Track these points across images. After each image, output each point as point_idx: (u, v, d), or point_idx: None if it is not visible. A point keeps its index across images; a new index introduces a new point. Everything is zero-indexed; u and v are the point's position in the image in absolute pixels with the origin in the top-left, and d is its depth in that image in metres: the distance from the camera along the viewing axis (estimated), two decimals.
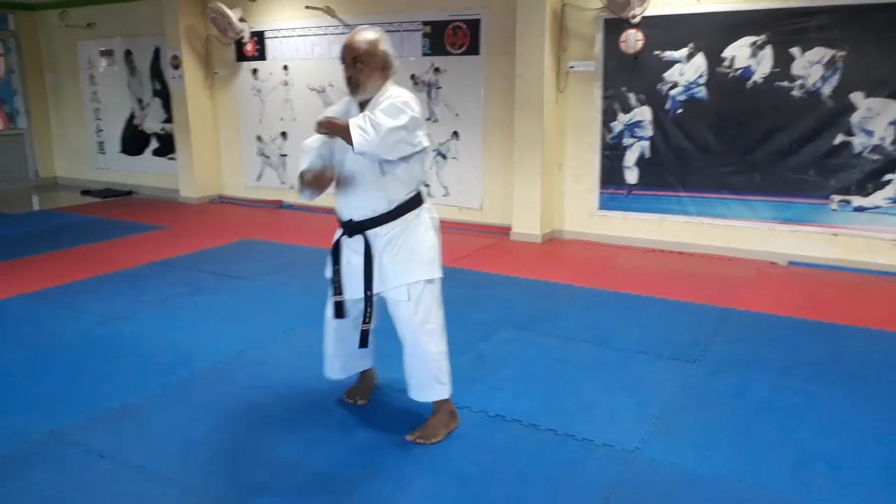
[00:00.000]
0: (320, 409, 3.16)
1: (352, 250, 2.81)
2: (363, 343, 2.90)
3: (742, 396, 3.27)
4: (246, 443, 2.88)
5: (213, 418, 3.08)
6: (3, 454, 2.80)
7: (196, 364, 3.65)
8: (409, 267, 2.76)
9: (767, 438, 2.89)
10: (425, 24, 6.94)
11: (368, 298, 2.80)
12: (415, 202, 2.80)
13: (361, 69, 2.67)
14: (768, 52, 5.41)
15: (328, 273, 2.93)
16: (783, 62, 5.37)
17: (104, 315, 4.43)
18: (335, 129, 2.59)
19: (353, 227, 2.78)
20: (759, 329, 4.16)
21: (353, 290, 2.83)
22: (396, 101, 2.62)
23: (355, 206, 2.76)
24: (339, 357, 3.09)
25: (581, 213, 6.49)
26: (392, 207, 2.74)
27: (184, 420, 3.07)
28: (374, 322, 2.91)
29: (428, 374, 2.86)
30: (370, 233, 2.76)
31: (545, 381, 3.44)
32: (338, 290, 2.86)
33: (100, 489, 2.57)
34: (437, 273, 2.83)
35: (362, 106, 2.73)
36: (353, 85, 2.70)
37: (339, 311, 2.89)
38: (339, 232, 2.89)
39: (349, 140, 2.53)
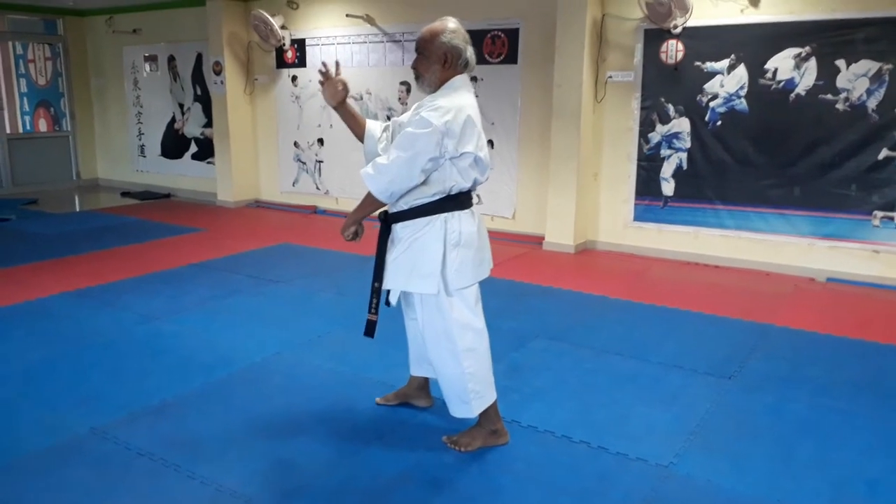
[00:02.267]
0: (355, 413, 3.18)
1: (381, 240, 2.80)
2: (368, 332, 2.85)
3: (780, 414, 3.22)
4: (281, 444, 2.91)
5: (250, 419, 3.12)
6: (45, 448, 2.86)
7: (233, 365, 3.71)
8: (406, 274, 2.68)
9: (806, 458, 2.83)
10: None
11: (376, 290, 2.78)
12: (436, 207, 2.63)
13: (420, 60, 2.66)
14: (812, 64, 5.33)
15: None
16: (827, 75, 5.28)
17: (144, 314, 4.52)
18: (357, 214, 2.72)
19: (385, 218, 2.77)
20: (798, 346, 4.09)
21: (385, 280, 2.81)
22: (423, 117, 2.52)
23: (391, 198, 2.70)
24: (412, 353, 3.11)
25: (616, 223, 6.45)
26: (408, 207, 2.66)
27: (221, 420, 3.11)
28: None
29: (451, 392, 2.83)
30: (395, 227, 2.74)
31: (579, 392, 3.42)
32: (378, 276, 2.82)
33: (137, 486, 2.61)
34: (431, 289, 2.64)
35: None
36: (416, 76, 2.70)
37: (370, 329, 2.87)
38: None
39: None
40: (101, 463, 2.76)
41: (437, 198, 2.64)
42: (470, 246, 2.69)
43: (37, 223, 7.70)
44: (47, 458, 2.79)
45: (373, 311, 2.82)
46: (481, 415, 2.85)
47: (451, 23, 2.68)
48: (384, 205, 2.68)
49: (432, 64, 2.63)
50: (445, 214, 2.65)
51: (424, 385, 3.20)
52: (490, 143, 6.99)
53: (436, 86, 2.67)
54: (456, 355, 2.73)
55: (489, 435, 2.89)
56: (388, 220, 2.75)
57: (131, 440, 2.92)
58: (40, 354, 3.86)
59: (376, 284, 2.79)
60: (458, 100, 2.60)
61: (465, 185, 2.66)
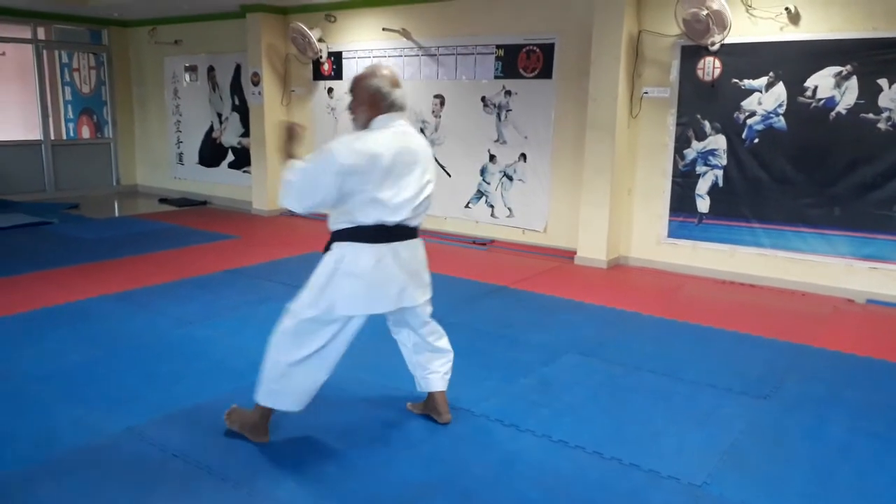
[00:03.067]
0: (385, 421, 3.19)
1: None
2: None
3: (816, 437, 3.15)
4: (312, 451, 2.93)
5: (281, 424, 3.14)
6: (82, 447, 2.92)
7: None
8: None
9: (843, 483, 2.77)
10: (499, 47, 7.02)
11: None
12: (342, 235, 2.80)
13: (352, 102, 2.83)
14: (854, 82, 5.25)
15: None
16: (869, 93, 5.20)
17: (179, 318, 4.59)
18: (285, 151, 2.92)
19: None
20: (836, 368, 4.00)
21: None
22: (328, 149, 2.68)
23: None
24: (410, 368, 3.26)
25: (649, 240, 6.40)
26: (333, 230, 2.85)
27: None
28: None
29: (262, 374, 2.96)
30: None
31: (610, 409, 3.39)
32: None
33: (172, 488, 2.65)
34: (295, 306, 2.90)
35: None
36: (352, 117, 2.87)
37: None
38: None
39: None
40: (135, 463, 2.81)
41: (345, 226, 2.80)
42: (362, 278, 2.78)
43: (78, 227, 7.89)
44: (84, 456, 2.85)
45: None
46: (259, 407, 2.95)
47: (380, 69, 2.84)
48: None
49: (360, 105, 2.80)
50: (349, 243, 2.79)
51: (441, 400, 3.18)
52: (523, 156, 7.00)
53: (364, 124, 2.82)
54: (274, 355, 2.91)
55: (252, 426, 2.97)
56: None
57: (166, 442, 2.96)
58: (79, 355, 3.94)
59: None
60: (374, 140, 2.71)
61: (366, 221, 2.75)
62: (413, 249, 2.91)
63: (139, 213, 9.00)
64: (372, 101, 2.78)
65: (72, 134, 10.96)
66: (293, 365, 2.87)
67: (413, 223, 2.87)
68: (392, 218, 2.76)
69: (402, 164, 2.75)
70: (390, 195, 2.72)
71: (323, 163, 2.66)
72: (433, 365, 3.15)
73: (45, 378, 3.62)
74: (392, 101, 2.79)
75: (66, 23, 10.13)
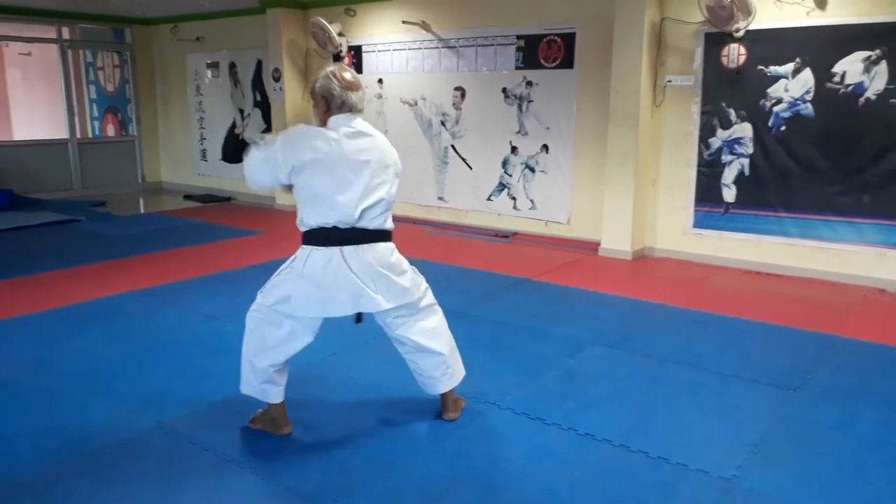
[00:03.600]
0: (410, 416, 3.21)
1: None
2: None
3: (847, 429, 3.11)
4: (337, 445, 2.96)
5: (307, 418, 3.17)
6: (116, 441, 2.97)
7: (292, 365, 3.75)
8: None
9: (875, 476, 2.73)
10: (519, 37, 6.98)
11: None
12: (305, 238, 2.86)
13: (313, 104, 2.91)
14: (883, 67, 5.14)
15: None
16: None
17: (207, 314, 4.64)
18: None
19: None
20: (867, 359, 3.94)
21: None
22: (281, 134, 2.81)
23: None
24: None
25: (674, 230, 6.34)
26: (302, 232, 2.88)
27: None
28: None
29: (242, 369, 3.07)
30: None
31: (636, 401, 3.37)
32: None
33: (202, 480, 2.69)
34: (262, 301, 2.96)
35: None
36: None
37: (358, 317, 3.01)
38: None
39: None
40: (167, 457, 2.85)
41: (303, 229, 2.87)
42: (311, 280, 2.80)
43: (105, 224, 8.00)
44: (117, 450, 2.90)
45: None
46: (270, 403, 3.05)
47: (339, 71, 2.84)
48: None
49: (315, 106, 2.88)
50: (307, 247, 2.84)
51: (447, 399, 3.17)
52: (545, 147, 6.96)
53: (321, 125, 2.86)
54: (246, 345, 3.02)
55: (270, 420, 3.05)
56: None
57: (196, 435, 3.00)
58: (109, 350, 4.01)
59: None
60: (319, 136, 2.75)
61: (316, 223, 2.81)
62: (375, 253, 2.84)
63: (164, 210, 9.11)
64: (324, 103, 2.83)
65: (97, 132, 11.11)
66: (256, 354, 2.98)
67: (370, 226, 2.82)
68: (338, 219, 2.77)
69: (348, 164, 2.74)
70: (331, 194, 2.74)
71: (267, 150, 2.81)
72: (425, 369, 3.09)
73: (77, 374, 3.68)
74: (343, 101, 2.80)
75: (89, 22, 10.25)
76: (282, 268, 2.95)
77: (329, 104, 2.81)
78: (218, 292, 5.15)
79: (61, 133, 10.20)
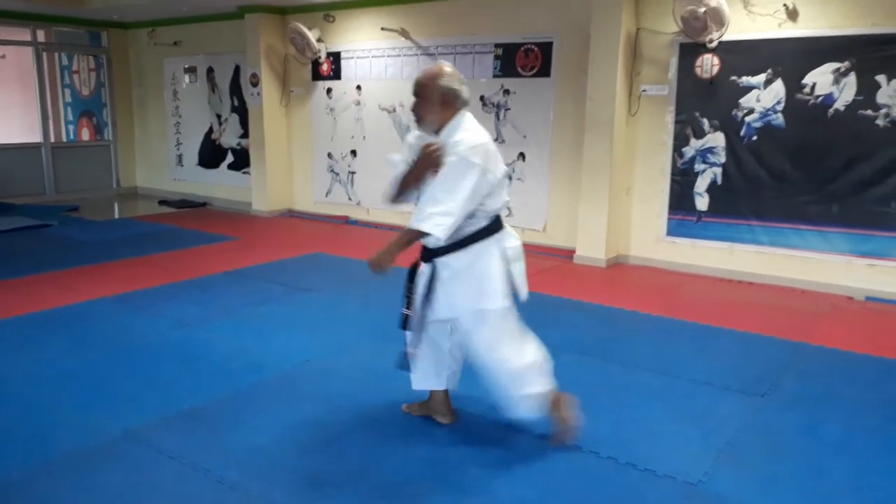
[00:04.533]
0: (382, 422, 3.20)
1: (422, 274, 2.92)
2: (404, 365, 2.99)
3: (813, 434, 3.15)
4: (309, 451, 2.94)
5: (279, 426, 3.15)
6: (80, 450, 2.93)
7: (264, 372, 3.76)
8: (474, 298, 2.81)
9: (839, 480, 2.77)
10: (497, 46, 7.02)
11: (421, 321, 2.91)
12: (483, 233, 2.81)
13: (419, 102, 2.79)
14: (852, 79, 5.24)
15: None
16: (868, 90, 5.19)
17: (178, 320, 4.60)
18: (395, 252, 2.73)
19: (426, 254, 2.88)
20: (833, 366, 4.00)
21: (425, 312, 2.92)
22: (461, 158, 2.65)
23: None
24: (435, 368, 3.11)
25: (648, 238, 6.39)
26: (458, 239, 2.78)
27: (251, 426, 3.15)
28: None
29: (512, 394, 2.91)
30: (438, 261, 2.84)
31: (608, 407, 3.39)
32: (409, 304, 2.94)
33: (168, 490, 2.66)
34: (499, 303, 2.84)
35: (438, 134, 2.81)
36: (416, 117, 2.83)
37: (405, 323, 2.95)
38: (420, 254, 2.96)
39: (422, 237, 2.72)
40: (133, 465, 2.82)
41: (483, 223, 2.80)
42: (521, 258, 2.94)
43: (77, 229, 7.90)
44: (82, 459, 2.86)
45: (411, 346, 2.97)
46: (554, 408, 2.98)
47: (447, 66, 2.84)
48: (417, 240, 2.78)
49: (433, 106, 2.76)
50: (496, 236, 2.84)
51: (446, 399, 3.20)
52: (521, 155, 7.00)
53: (438, 125, 2.79)
54: (511, 359, 2.87)
55: (559, 412, 3.00)
56: (431, 256, 2.84)
57: (163, 444, 2.97)
58: (77, 357, 3.95)
59: (409, 312, 2.90)
60: (477, 135, 2.75)
61: (498, 207, 2.85)
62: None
63: (139, 215, 9.02)
64: (445, 101, 2.76)
65: (72, 136, 10.98)
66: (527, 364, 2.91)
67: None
68: (496, 212, 2.85)
69: (495, 151, 2.82)
70: (500, 183, 2.80)
71: (464, 177, 2.65)
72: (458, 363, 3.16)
73: (44, 381, 3.63)
74: (464, 98, 2.79)
75: (65, 25, 10.14)
76: (493, 275, 2.83)
77: (453, 102, 2.76)
78: (190, 299, 5.10)
79: (35, 137, 10.06)
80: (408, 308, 2.94)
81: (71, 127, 11.03)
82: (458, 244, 2.80)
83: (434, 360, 3.10)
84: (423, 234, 2.69)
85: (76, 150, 10.62)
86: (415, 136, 2.95)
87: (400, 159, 2.95)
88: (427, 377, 3.14)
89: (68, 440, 3.00)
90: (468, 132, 2.75)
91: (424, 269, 2.91)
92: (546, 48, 6.73)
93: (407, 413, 3.27)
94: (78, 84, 10.95)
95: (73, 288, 5.38)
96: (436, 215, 2.65)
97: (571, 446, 2.98)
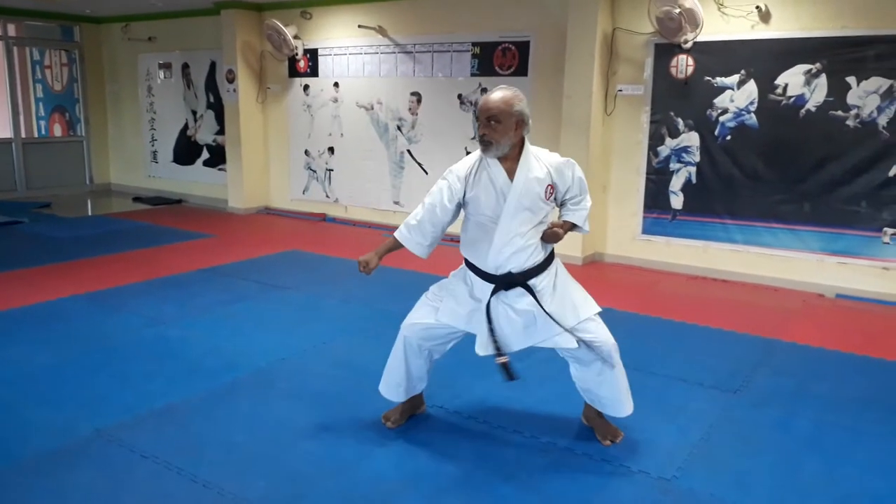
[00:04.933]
0: (358, 420, 3.19)
1: (510, 303, 2.83)
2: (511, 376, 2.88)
3: (785, 430, 3.20)
4: (284, 450, 2.92)
5: (254, 424, 3.13)
6: (50, 450, 2.89)
7: (239, 370, 3.73)
8: (572, 309, 2.87)
9: (811, 475, 2.82)
10: (475, 44, 7.03)
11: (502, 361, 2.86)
12: (552, 252, 2.94)
13: (496, 128, 2.74)
14: (823, 80, 5.33)
15: (443, 317, 2.95)
16: (838, 91, 5.28)
17: (152, 318, 4.55)
18: (566, 231, 2.93)
19: (512, 280, 2.82)
20: (805, 362, 4.06)
21: (514, 342, 2.87)
22: (579, 173, 2.94)
23: (513, 259, 2.79)
24: (409, 381, 3.09)
25: (624, 236, 6.44)
26: (541, 260, 2.85)
27: (225, 424, 3.13)
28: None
29: (623, 390, 2.98)
30: (531, 283, 2.83)
31: (582, 404, 3.40)
32: (498, 349, 2.83)
33: (140, 489, 2.63)
34: (597, 306, 2.96)
35: (501, 160, 2.80)
36: (486, 143, 2.77)
37: (509, 373, 2.83)
38: (475, 287, 2.88)
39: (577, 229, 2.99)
40: (105, 465, 2.78)
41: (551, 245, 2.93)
42: None
43: (49, 227, 7.78)
44: (52, 460, 2.82)
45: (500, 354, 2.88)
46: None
47: (517, 90, 2.85)
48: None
49: (509, 130, 2.75)
50: (555, 257, 2.97)
51: (420, 395, 3.22)
52: None
53: (508, 149, 2.79)
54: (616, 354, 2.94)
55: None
56: (520, 280, 2.82)
57: (136, 443, 2.93)
58: (49, 356, 3.89)
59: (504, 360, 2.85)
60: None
61: None
62: None
63: (113, 213, 8.90)
64: (519, 125, 2.77)
65: (43, 132, 10.80)
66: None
67: None
68: None
69: None
70: None
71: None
72: None
73: (13, 380, 3.57)
74: (530, 124, 2.84)
75: (37, 19, 9.96)
76: (574, 284, 2.96)
77: (522, 129, 2.79)
78: (165, 297, 5.05)
79: (5, 132, 9.88)
80: (500, 354, 2.83)
81: (43, 122, 10.85)
82: (542, 265, 2.85)
83: (410, 374, 3.07)
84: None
85: (48, 146, 10.44)
86: (455, 177, 2.87)
87: (434, 203, 2.89)
88: (396, 389, 3.10)
89: (38, 440, 2.95)
90: (542, 151, 2.90)
91: (515, 296, 2.82)
92: (523, 47, 6.75)
93: (395, 428, 3.14)
94: (50, 79, 10.77)
95: (44, 286, 5.29)
96: (588, 213, 2.99)
97: (547, 445, 2.99)
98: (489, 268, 2.83)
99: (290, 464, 2.82)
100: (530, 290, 2.81)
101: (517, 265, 2.80)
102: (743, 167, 5.75)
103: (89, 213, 9.02)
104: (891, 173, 5.18)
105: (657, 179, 6.18)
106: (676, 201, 6.11)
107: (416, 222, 2.93)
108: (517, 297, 2.83)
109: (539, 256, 2.84)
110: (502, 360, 2.82)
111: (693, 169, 5.99)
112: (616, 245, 6.50)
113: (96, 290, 5.18)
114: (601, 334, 2.88)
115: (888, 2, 5.08)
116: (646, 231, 6.31)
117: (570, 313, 2.85)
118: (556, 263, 2.95)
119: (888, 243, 5.26)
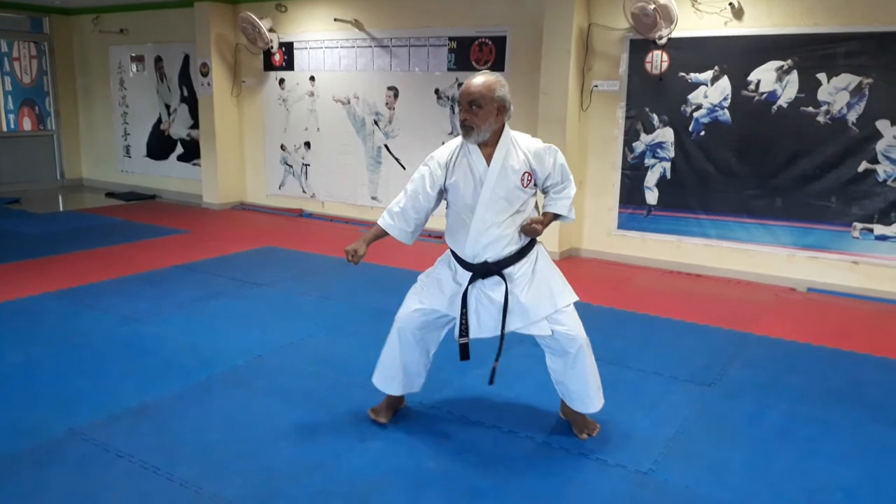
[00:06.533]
0: (336, 417, 3.18)
1: (486, 291, 2.85)
2: (464, 356, 2.94)
3: (758, 422, 3.25)
4: (262, 448, 2.91)
5: (231, 422, 3.11)
6: (24, 450, 2.84)
7: (215, 368, 3.70)
8: (548, 298, 2.86)
9: (784, 466, 2.87)
10: (451, 39, 7.02)
11: (503, 335, 2.88)
12: (531, 242, 2.92)
13: (477, 113, 2.74)
14: (794, 76, 5.40)
15: (424, 302, 2.97)
16: (809, 87, 5.36)
17: (126, 316, 4.49)
18: (546, 224, 2.90)
19: (488, 269, 2.84)
20: (777, 355, 4.13)
21: (486, 329, 2.89)
22: (560, 159, 2.87)
23: (489, 248, 2.81)
24: (405, 374, 3.08)
25: (599, 232, 6.49)
26: (516, 249, 2.85)
27: (201, 423, 3.10)
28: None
29: (592, 386, 2.98)
30: (507, 272, 2.83)
31: (559, 398, 3.43)
32: (464, 331, 2.88)
33: (116, 489, 2.60)
34: (574, 296, 2.95)
35: (481, 147, 2.80)
36: (467, 128, 2.77)
37: (465, 353, 2.91)
38: (458, 273, 2.90)
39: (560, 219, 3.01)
40: (79, 465, 2.75)
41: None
42: None
43: (19, 223, 7.63)
44: (25, 460, 2.77)
45: (498, 357, 2.95)
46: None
47: (499, 76, 2.84)
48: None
49: (490, 116, 2.75)
50: (536, 244, 2.95)
51: (393, 403, 3.20)
52: None
53: (489, 135, 2.79)
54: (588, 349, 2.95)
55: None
56: (495, 269, 2.83)
57: (110, 442, 2.90)
58: (20, 355, 3.83)
59: (503, 331, 2.87)
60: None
61: None
62: None
63: (84, 208, 8.75)
64: (500, 111, 2.76)
65: (12, 126, 10.58)
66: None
67: None
68: None
69: None
70: None
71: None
72: None
73: None
74: (511, 110, 2.82)
75: (4, 10, 9.74)
76: (553, 272, 2.95)
77: (506, 112, 2.78)
78: (139, 293, 4.99)
79: None
80: (463, 335, 2.88)
81: (11, 116, 10.62)
82: (518, 254, 2.85)
83: (405, 367, 3.06)
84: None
85: (17, 141, 10.24)
86: (436, 164, 2.89)
87: (416, 190, 2.92)
88: (391, 381, 3.09)
89: (10, 440, 2.91)
90: (523, 137, 2.87)
91: (491, 284, 2.85)
92: (500, 42, 6.76)
93: (386, 422, 3.14)
94: (18, 71, 10.54)
95: (14, 283, 5.19)
96: (571, 202, 2.98)
97: (525, 439, 3.01)
98: (467, 256, 2.86)
99: (267, 461, 2.80)
100: (506, 280, 2.83)
101: (493, 254, 2.83)
102: (716, 163, 5.82)
103: (60, 209, 8.86)
104: (860, 169, 5.27)
105: (632, 175, 6.23)
106: (651, 196, 6.17)
107: (399, 209, 2.94)
108: (494, 285, 2.86)
109: (516, 245, 2.85)
110: (463, 340, 2.89)
111: (668, 164, 6.05)
112: (592, 240, 6.55)
113: (68, 287, 5.10)
114: (574, 328, 2.89)
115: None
116: (621, 226, 6.36)
117: (547, 301, 2.86)
118: (538, 249, 2.94)
119: (857, 238, 5.36)
